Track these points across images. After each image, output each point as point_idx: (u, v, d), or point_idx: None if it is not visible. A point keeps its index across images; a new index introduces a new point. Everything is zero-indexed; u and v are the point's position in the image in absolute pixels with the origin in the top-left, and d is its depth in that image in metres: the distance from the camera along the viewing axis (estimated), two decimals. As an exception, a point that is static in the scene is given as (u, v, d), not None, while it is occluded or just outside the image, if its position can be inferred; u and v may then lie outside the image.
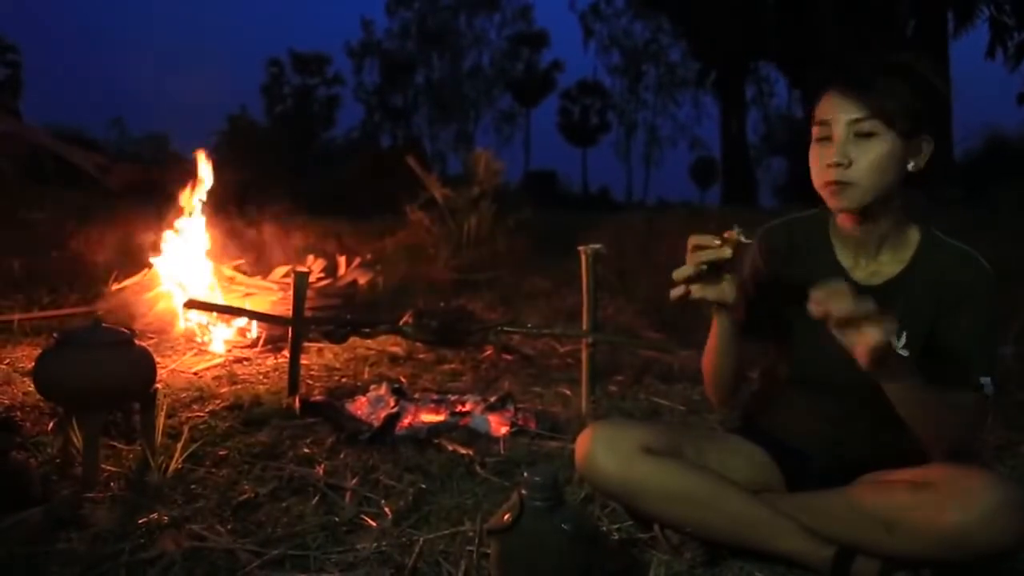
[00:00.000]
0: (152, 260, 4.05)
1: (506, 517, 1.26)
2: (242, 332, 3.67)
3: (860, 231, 1.45)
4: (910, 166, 1.37)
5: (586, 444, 1.53)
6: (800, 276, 1.41)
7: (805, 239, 1.55)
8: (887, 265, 1.47)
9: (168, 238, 3.99)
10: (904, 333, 1.41)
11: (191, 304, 2.89)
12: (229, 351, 3.51)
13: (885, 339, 1.17)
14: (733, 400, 1.63)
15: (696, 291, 1.35)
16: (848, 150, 1.34)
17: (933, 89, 1.38)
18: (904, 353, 1.38)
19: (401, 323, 2.83)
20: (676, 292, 1.36)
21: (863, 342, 1.18)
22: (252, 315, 3.23)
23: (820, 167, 1.39)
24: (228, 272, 4.02)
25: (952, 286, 1.41)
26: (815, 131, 1.40)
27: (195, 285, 3.86)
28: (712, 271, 1.34)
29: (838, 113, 1.36)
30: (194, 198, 3.97)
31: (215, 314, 3.54)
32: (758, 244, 1.59)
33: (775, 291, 1.54)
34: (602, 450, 1.50)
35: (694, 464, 1.51)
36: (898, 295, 1.43)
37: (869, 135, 1.33)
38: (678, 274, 1.34)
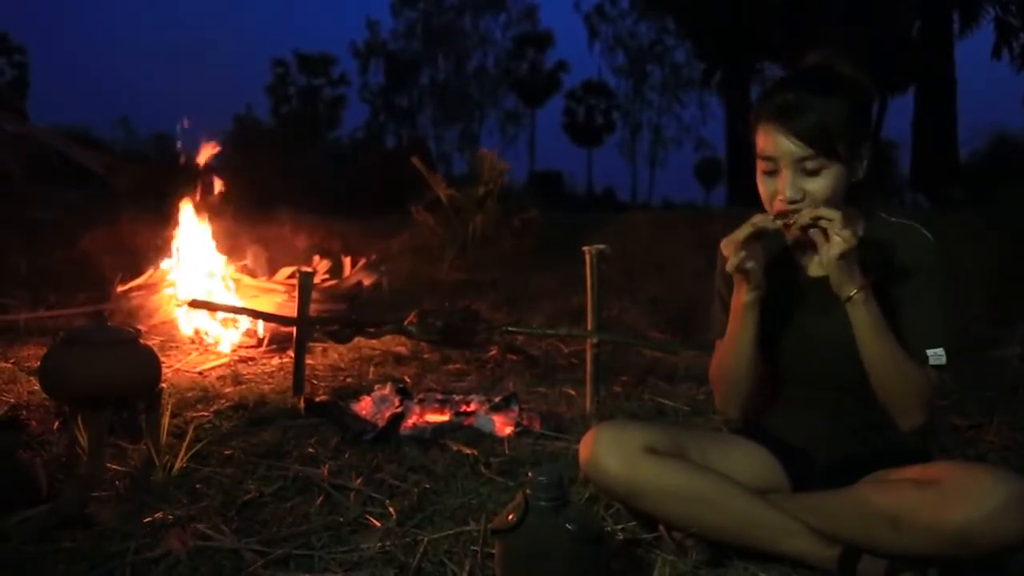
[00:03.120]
0: (158, 261, 4.06)
1: (511, 517, 1.26)
2: (251, 334, 3.68)
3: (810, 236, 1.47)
4: (854, 179, 1.44)
5: (590, 444, 1.54)
6: (766, 281, 1.49)
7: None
8: None
9: (174, 238, 4.00)
10: None
11: (195, 304, 2.90)
12: (234, 351, 3.51)
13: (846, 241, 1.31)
14: (751, 404, 1.64)
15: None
16: (799, 184, 1.40)
17: (862, 89, 1.44)
18: None
19: (406, 323, 2.84)
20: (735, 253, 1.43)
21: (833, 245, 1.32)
22: (257, 315, 3.23)
23: (772, 198, 1.45)
24: (234, 275, 4.02)
25: (897, 260, 1.46)
26: (760, 164, 1.45)
27: (201, 286, 3.86)
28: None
29: (781, 151, 1.40)
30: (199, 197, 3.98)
31: (220, 315, 3.54)
32: (724, 258, 1.63)
33: None
34: (606, 450, 1.51)
35: (698, 464, 1.52)
36: None
37: (816, 171, 1.39)
38: (737, 234, 1.42)
